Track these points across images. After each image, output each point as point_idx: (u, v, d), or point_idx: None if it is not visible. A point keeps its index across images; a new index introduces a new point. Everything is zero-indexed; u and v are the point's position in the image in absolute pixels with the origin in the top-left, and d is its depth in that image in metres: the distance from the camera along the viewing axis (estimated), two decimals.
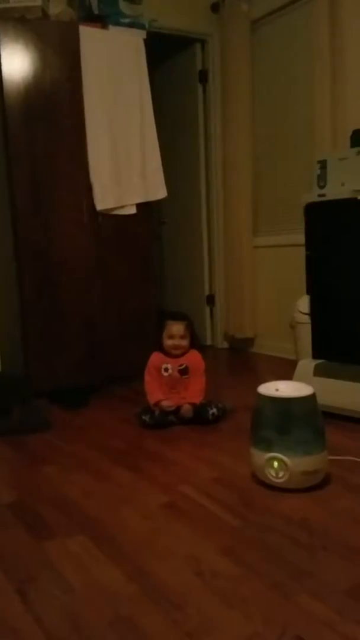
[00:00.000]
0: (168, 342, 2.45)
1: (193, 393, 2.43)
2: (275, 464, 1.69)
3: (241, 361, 3.81)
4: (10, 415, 2.45)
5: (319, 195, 2.40)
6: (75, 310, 3.00)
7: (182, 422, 2.39)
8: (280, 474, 1.69)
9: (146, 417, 2.37)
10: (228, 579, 1.29)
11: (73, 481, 1.89)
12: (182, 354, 2.47)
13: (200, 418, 2.37)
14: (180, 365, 2.44)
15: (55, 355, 2.95)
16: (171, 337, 2.45)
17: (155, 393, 2.43)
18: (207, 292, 4.24)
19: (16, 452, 2.21)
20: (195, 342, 2.54)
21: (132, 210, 3.12)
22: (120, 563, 1.38)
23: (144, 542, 1.47)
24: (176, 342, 2.44)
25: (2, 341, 3.26)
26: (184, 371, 2.45)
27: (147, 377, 2.48)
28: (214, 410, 2.39)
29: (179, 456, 2.06)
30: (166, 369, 2.45)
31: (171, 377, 2.44)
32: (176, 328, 2.45)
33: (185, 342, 2.46)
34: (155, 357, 2.49)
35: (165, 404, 2.39)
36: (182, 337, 2.45)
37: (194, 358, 2.48)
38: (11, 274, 2.94)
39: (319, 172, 2.42)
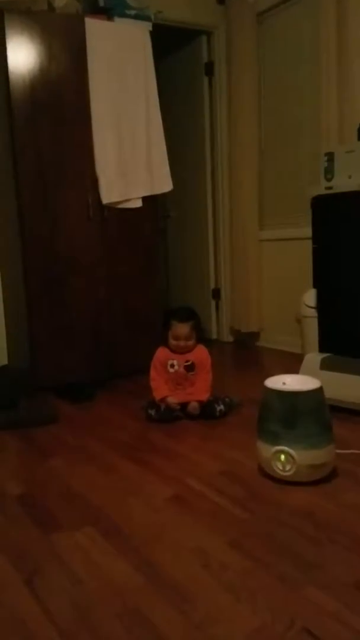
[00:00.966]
0: (173, 343, 2.43)
1: (200, 390, 2.41)
2: (282, 457, 1.69)
3: (247, 355, 3.81)
4: (17, 408, 2.46)
5: (326, 188, 2.38)
6: (81, 304, 3.00)
7: (188, 417, 2.39)
8: (287, 467, 1.69)
9: (152, 412, 2.38)
10: (235, 571, 1.29)
11: (80, 474, 1.89)
12: (187, 351, 2.45)
13: (207, 414, 2.37)
14: (187, 361, 2.42)
15: (61, 349, 2.96)
16: (176, 338, 2.42)
17: (161, 389, 2.43)
18: (212, 286, 4.23)
19: (23, 445, 2.22)
20: (200, 336, 2.52)
21: (138, 204, 3.11)
22: (127, 555, 1.38)
23: (151, 535, 1.47)
24: (181, 343, 2.42)
25: (10, 335, 3.26)
26: (190, 367, 2.43)
27: (152, 373, 2.47)
28: (221, 407, 2.38)
29: (185, 449, 2.06)
30: (172, 365, 2.43)
31: (177, 373, 2.43)
32: (181, 330, 2.42)
33: (191, 343, 2.44)
34: (161, 353, 2.48)
35: (171, 400, 2.38)
36: (187, 339, 2.43)
37: (201, 354, 2.46)
38: (18, 269, 2.94)
39: (326, 164, 2.40)
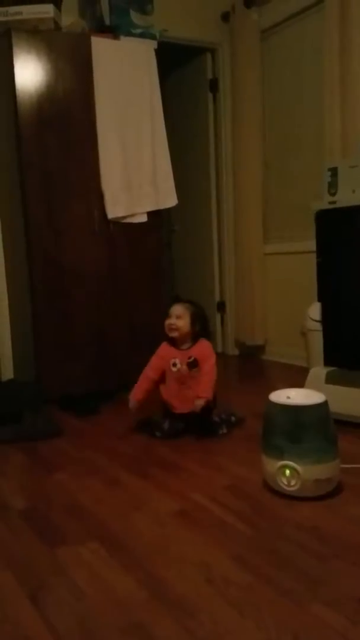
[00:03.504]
0: (166, 323, 2.35)
1: (203, 387, 2.31)
2: (287, 472, 1.69)
3: (252, 368, 3.81)
4: (22, 421, 2.47)
5: (330, 203, 2.40)
6: (87, 317, 3.02)
7: (191, 432, 2.34)
8: (292, 482, 1.69)
9: (157, 433, 2.35)
10: (240, 586, 1.29)
11: (84, 488, 1.89)
12: (189, 347, 2.37)
13: (208, 432, 2.32)
14: (189, 357, 2.34)
15: (66, 362, 2.97)
16: (168, 317, 2.35)
17: (137, 390, 2.40)
18: (217, 299, 4.25)
19: (28, 458, 2.22)
20: (204, 331, 2.42)
21: (143, 219, 3.14)
22: (132, 570, 1.38)
23: (156, 549, 1.47)
24: (172, 320, 2.33)
25: (15, 348, 3.28)
26: (192, 364, 2.34)
27: (146, 368, 2.42)
28: (224, 430, 2.34)
29: (190, 463, 2.06)
30: (174, 364, 2.35)
31: (180, 372, 2.35)
32: (174, 309, 2.36)
33: (182, 323, 2.34)
34: (163, 349, 2.41)
35: (131, 405, 2.40)
36: (178, 317, 2.34)
37: (203, 349, 2.37)
38: (24, 282, 2.96)
39: (329, 179, 2.42)
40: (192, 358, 2.35)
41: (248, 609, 1.21)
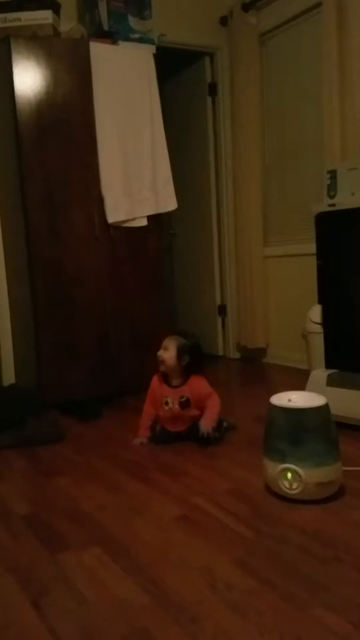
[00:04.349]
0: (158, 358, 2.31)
1: (210, 417, 2.27)
2: (289, 475, 1.69)
3: (253, 371, 3.81)
4: (24, 427, 2.47)
5: (330, 205, 2.40)
6: (88, 322, 3.02)
7: (184, 439, 2.31)
8: (294, 486, 1.69)
9: (156, 428, 2.35)
10: (242, 591, 1.29)
11: (86, 493, 1.89)
12: (181, 384, 2.29)
13: (200, 441, 2.27)
14: (181, 397, 2.28)
15: (68, 367, 2.97)
16: (160, 348, 2.30)
17: (142, 428, 2.37)
18: (218, 302, 4.25)
19: (30, 463, 2.22)
20: (194, 366, 2.31)
21: (144, 223, 3.15)
22: (134, 575, 1.38)
23: (158, 554, 1.47)
24: (160, 352, 2.28)
25: (17, 353, 3.28)
26: (185, 404, 2.27)
27: (145, 406, 2.39)
28: (217, 435, 2.28)
29: (191, 468, 2.06)
30: (166, 403, 2.29)
31: (172, 411, 2.29)
32: (168, 341, 2.30)
33: (167, 356, 2.26)
34: (155, 383, 2.36)
35: (136, 441, 2.36)
36: (165, 349, 2.28)
37: (197, 389, 2.29)
38: (25, 287, 2.97)
39: (329, 182, 2.42)
40: (185, 398, 2.28)
41: (250, 613, 1.20)
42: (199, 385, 2.31)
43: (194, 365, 2.31)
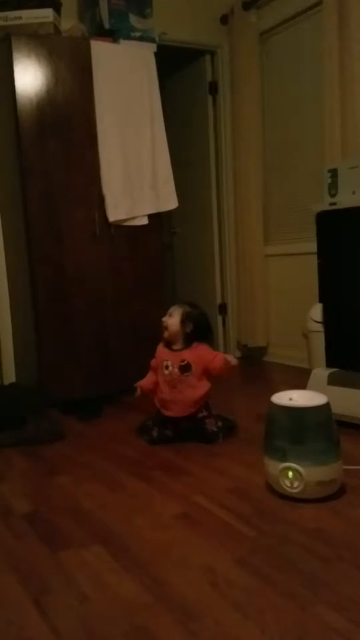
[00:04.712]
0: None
1: (187, 400, 2.26)
2: (290, 474, 1.69)
3: (254, 370, 3.81)
4: (25, 425, 2.47)
5: (330, 204, 2.40)
6: (88, 320, 3.02)
7: (182, 439, 2.30)
8: (295, 484, 1.69)
9: (146, 437, 2.34)
10: (243, 589, 1.29)
11: (87, 491, 1.89)
12: (182, 350, 2.30)
13: (206, 441, 2.28)
14: (182, 361, 2.27)
15: (68, 366, 2.97)
16: (166, 315, 2.34)
17: (145, 380, 2.40)
18: (218, 301, 4.25)
19: (31, 462, 2.22)
20: (198, 334, 2.32)
21: (144, 221, 3.14)
22: (135, 573, 1.38)
23: (159, 552, 1.47)
24: (165, 319, 2.32)
25: (17, 352, 3.28)
26: (185, 368, 2.26)
27: (149, 373, 2.42)
28: (221, 440, 2.29)
29: (192, 466, 2.06)
30: (167, 367, 2.29)
31: (171, 375, 2.27)
32: (175, 309, 2.33)
33: (171, 322, 2.29)
34: (159, 350, 2.38)
35: (137, 394, 2.40)
36: (170, 316, 2.31)
37: (200, 353, 2.28)
38: (25, 285, 2.97)
39: (329, 180, 2.42)
40: (185, 362, 2.26)
41: (251, 611, 1.21)
42: (201, 348, 2.30)
43: (198, 333, 2.32)
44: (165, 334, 2.34)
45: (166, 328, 2.33)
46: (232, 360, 2.34)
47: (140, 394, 2.42)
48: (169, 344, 2.36)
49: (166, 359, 2.31)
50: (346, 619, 1.16)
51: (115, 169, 3.02)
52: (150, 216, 3.16)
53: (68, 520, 1.69)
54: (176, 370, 2.28)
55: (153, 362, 2.40)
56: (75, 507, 1.78)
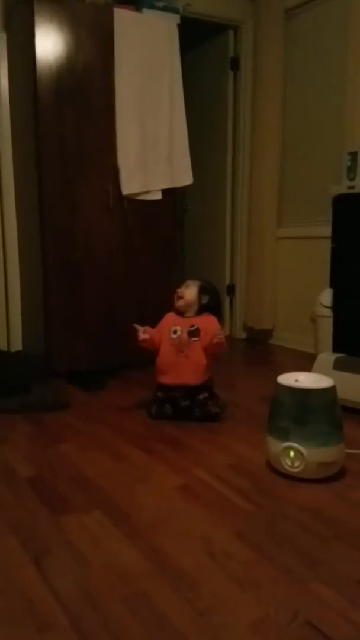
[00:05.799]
0: (174, 295, 2.36)
1: (192, 370, 2.27)
2: (292, 453, 1.70)
3: (259, 352, 3.81)
4: (30, 392, 2.49)
5: (349, 188, 2.37)
6: (97, 293, 3.02)
7: (181, 417, 2.30)
8: (296, 464, 1.70)
9: (152, 409, 2.35)
10: (241, 562, 1.31)
11: (90, 459, 1.91)
12: (193, 317, 2.34)
13: (204, 417, 2.29)
14: (192, 325, 2.30)
15: (75, 337, 2.98)
16: (181, 286, 2.37)
17: (153, 331, 2.34)
18: (227, 282, 4.24)
19: (34, 428, 2.24)
20: (212, 307, 2.37)
21: (158, 196, 3.12)
22: (135, 540, 1.40)
23: (159, 522, 1.49)
24: (180, 289, 2.35)
25: (25, 321, 3.29)
26: (193, 333, 2.29)
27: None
28: (218, 410, 2.31)
29: (194, 441, 2.08)
30: (175, 332, 2.31)
31: (179, 339, 2.29)
32: (192, 281, 2.38)
33: (188, 292, 2.34)
34: (167, 317, 2.40)
35: (141, 332, 2.31)
36: (186, 287, 2.35)
37: (209, 322, 2.32)
38: (36, 255, 2.96)
39: (349, 163, 2.39)
40: (195, 327, 2.30)
41: (248, 584, 1.23)
42: (212, 319, 2.34)
43: (212, 306, 2.38)
44: (181, 303, 2.35)
45: (181, 297, 2.35)
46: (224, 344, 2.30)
47: (142, 335, 2.31)
48: (179, 313, 2.38)
49: (176, 324, 2.34)
50: (341, 595, 1.18)
51: (131, 141, 2.98)
52: (164, 192, 3.13)
53: (70, 486, 1.71)
54: (185, 334, 2.30)
55: (158, 326, 2.38)
56: (77, 474, 1.80)
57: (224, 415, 2.34)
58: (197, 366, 2.29)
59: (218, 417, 2.30)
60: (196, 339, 2.29)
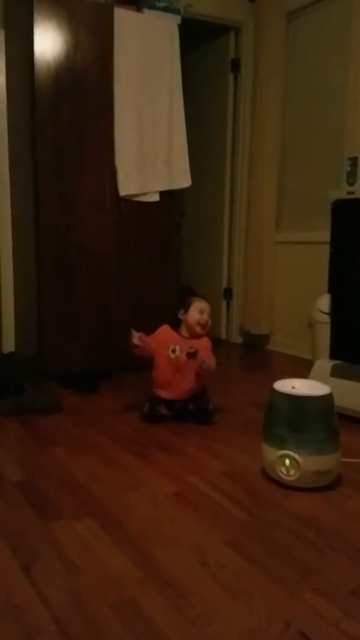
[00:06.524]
0: (197, 317, 2.29)
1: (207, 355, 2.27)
2: (287, 461, 1.68)
3: (255, 357, 3.79)
4: (22, 395, 2.46)
5: (348, 193, 2.36)
6: (92, 295, 2.99)
7: (176, 418, 2.30)
8: (292, 472, 1.68)
9: (144, 408, 2.33)
10: (233, 571, 1.28)
11: (81, 464, 1.89)
12: (192, 337, 2.32)
13: (206, 419, 2.30)
14: (191, 347, 2.28)
15: (69, 339, 2.95)
16: (202, 312, 2.30)
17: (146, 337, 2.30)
18: (224, 285, 4.21)
19: (25, 431, 2.21)
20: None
21: (155, 198, 3.10)
22: (125, 547, 1.37)
23: (150, 529, 1.46)
24: (206, 317, 2.30)
25: (17, 322, 3.26)
26: (193, 355, 2.27)
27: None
28: (214, 415, 2.32)
29: (188, 447, 2.05)
30: (173, 351, 2.29)
31: (178, 359, 2.28)
32: (206, 305, 2.33)
33: (210, 321, 2.34)
34: (165, 330, 2.35)
35: (136, 338, 2.26)
36: (202, 313, 2.31)
37: (204, 344, 2.32)
38: (30, 254, 2.94)
39: (349, 168, 2.38)
40: (194, 349, 2.28)
41: (240, 593, 1.20)
42: (207, 343, 2.34)
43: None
44: (204, 332, 2.33)
45: (205, 325, 2.32)
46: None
47: (136, 341, 2.27)
48: (175, 328, 2.35)
49: (174, 342, 2.31)
50: (334, 605, 1.16)
51: (129, 142, 2.96)
52: (161, 194, 3.11)
53: (60, 491, 1.68)
54: (184, 356, 2.28)
55: (153, 337, 2.34)
56: (68, 479, 1.77)
57: (217, 417, 2.31)
58: (193, 384, 2.31)
59: (213, 414, 2.29)
60: (194, 360, 2.28)
